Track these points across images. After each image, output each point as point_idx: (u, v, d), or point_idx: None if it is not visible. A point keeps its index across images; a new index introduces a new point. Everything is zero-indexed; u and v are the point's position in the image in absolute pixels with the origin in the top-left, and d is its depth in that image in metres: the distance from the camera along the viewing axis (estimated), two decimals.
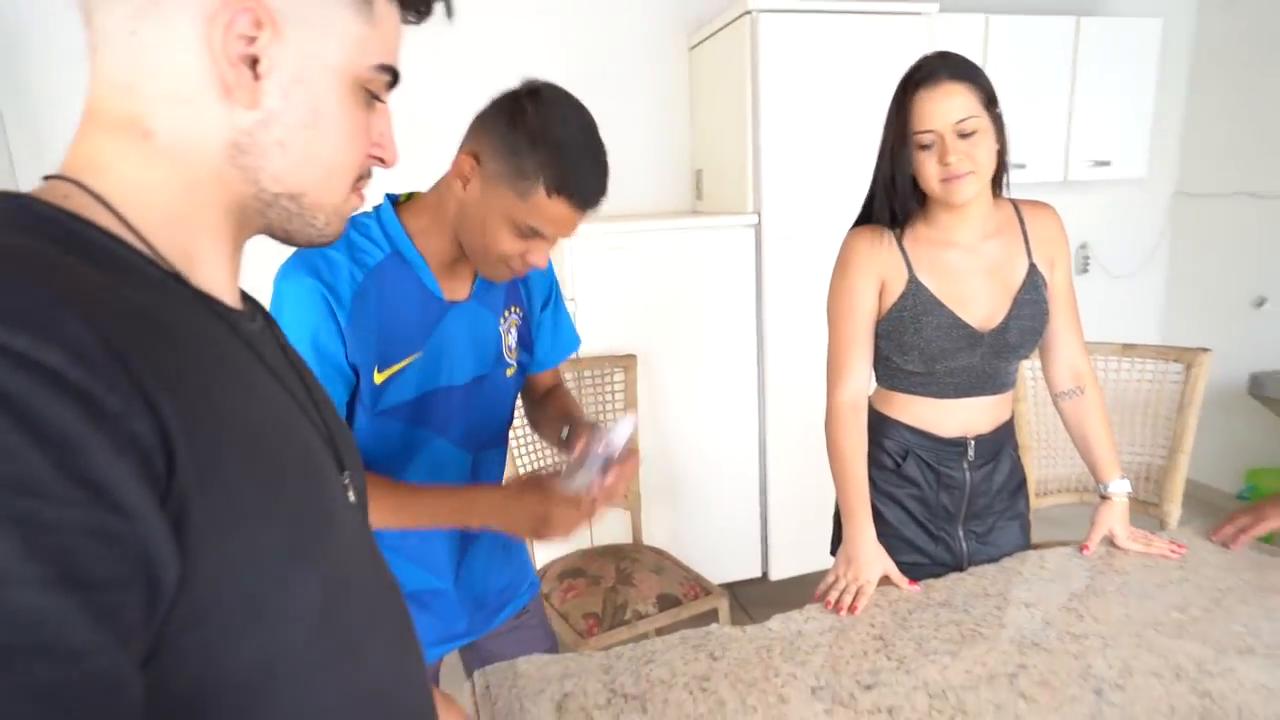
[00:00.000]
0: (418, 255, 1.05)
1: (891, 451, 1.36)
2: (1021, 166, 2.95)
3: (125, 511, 0.37)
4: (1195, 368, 1.91)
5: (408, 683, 0.60)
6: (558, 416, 1.20)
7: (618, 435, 1.02)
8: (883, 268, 1.31)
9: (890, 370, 1.37)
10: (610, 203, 1.08)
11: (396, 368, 1.04)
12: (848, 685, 1.00)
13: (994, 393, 1.35)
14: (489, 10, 2.67)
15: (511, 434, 1.34)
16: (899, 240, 1.31)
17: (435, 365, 1.08)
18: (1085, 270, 3.57)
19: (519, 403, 1.30)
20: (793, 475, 2.69)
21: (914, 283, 1.29)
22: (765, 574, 2.72)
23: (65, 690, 0.34)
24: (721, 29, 2.66)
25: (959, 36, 2.85)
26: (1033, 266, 1.31)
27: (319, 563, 0.49)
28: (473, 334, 1.12)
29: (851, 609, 1.19)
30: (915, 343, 1.30)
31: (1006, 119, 1.29)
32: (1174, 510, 1.92)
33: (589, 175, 0.98)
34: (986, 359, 1.31)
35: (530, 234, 0.99)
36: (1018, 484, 1.44)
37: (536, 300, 1.24)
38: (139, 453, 0.38)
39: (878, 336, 1.34)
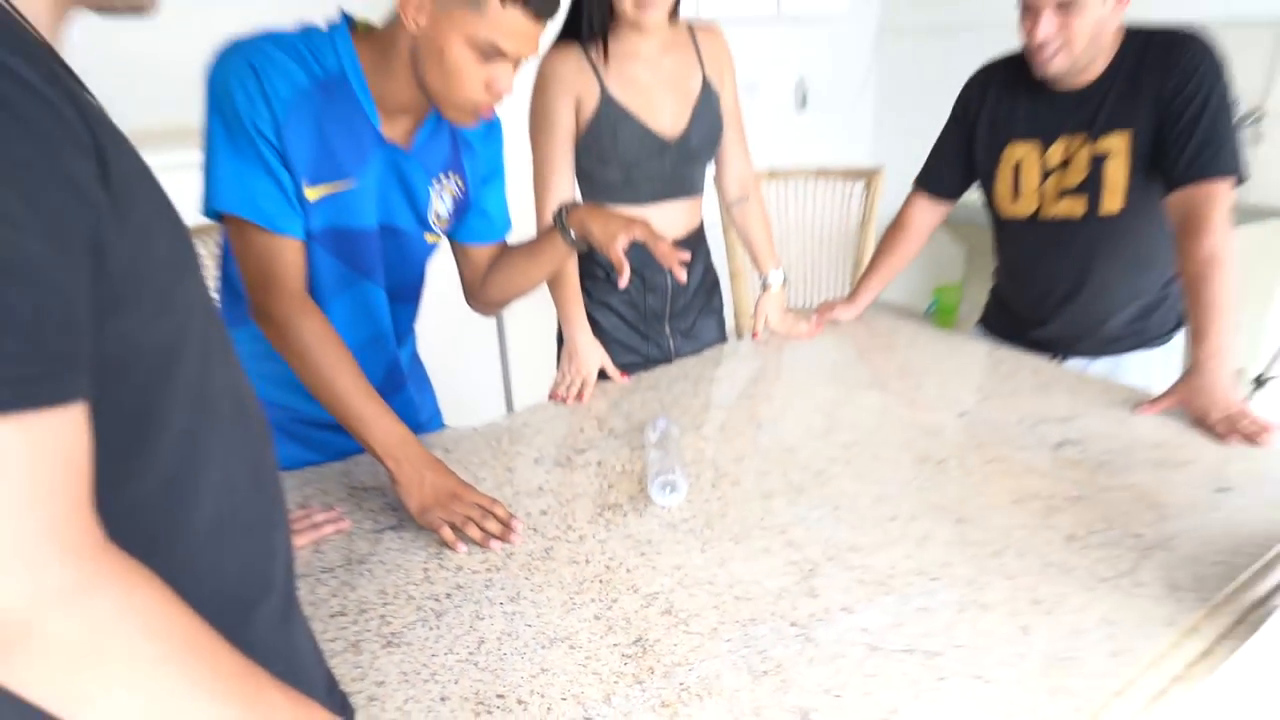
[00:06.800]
0: (364, 84, 1.00)
1: (601, 262, 1.49)
2: None
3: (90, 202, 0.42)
4: (872, 184, 2.13)
5: (250, 389, 0.66)
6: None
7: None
8: (576, 85, 1.36)
9: (593, 185, 1.46)
10: None
11: (329, 188, 1.01)
12: (565, 451, 1.18)
13: (684, 196, 1.49)
14: None
15: None
16: (588, 56, 1.36)
17: (365, 200, 1.05)
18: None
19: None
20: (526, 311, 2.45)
21: (606, 96, 1.37)
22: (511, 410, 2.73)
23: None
24: None
25: None
26: (706, 81, 1.44)
27: (195, 276, 0.55)
28: (404, 185, 1.08)
29: (579, 398, 1.36)
30: (613, 153, 1.39)
31: None
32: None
33: None
34: (675, 165, 1.44)
35: (491, 53, 0.95)
36: (712, 283, 1.65)
37: (479, 173, 1.18)
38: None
39: (578, 152, 1.41)
